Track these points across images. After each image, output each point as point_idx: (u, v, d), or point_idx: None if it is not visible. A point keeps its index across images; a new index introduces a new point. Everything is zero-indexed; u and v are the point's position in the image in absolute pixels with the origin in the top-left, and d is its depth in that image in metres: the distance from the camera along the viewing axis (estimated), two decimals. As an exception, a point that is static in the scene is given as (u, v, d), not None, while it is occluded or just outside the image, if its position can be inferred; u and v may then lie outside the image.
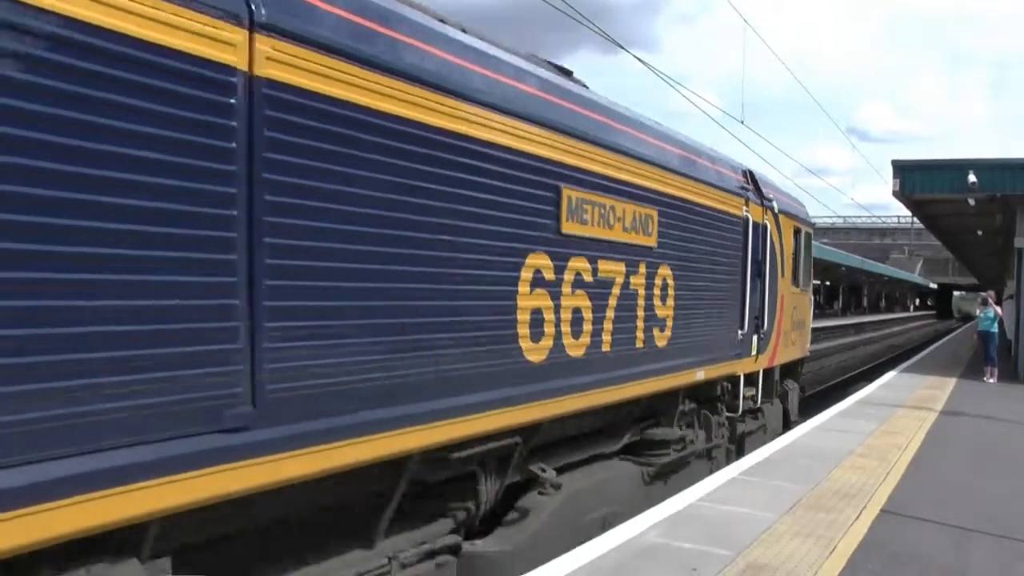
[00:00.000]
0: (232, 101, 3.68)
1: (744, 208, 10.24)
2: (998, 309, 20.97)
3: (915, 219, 35.22)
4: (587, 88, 7.54)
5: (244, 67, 3.73)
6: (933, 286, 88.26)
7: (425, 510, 5.85)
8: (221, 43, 3.62)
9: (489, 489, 6.23)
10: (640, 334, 7.55)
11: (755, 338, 10.90)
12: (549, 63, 7.32)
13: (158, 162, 3.38)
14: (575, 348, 6.48)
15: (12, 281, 2.94)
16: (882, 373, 22.24)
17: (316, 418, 4.15)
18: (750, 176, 10.97)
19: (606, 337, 6.92)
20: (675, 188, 8.17)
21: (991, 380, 19.88)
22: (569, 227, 6.33)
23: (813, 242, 14.63)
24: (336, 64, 4.21)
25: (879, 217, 64.69)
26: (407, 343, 4.75)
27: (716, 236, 9.33)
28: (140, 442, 3.33)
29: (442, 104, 4.97)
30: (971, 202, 20.18)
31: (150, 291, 3.39)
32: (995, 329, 20.73)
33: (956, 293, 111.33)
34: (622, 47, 12.84)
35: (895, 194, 20.74)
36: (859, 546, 6.57)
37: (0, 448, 2.89)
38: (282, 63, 3.92)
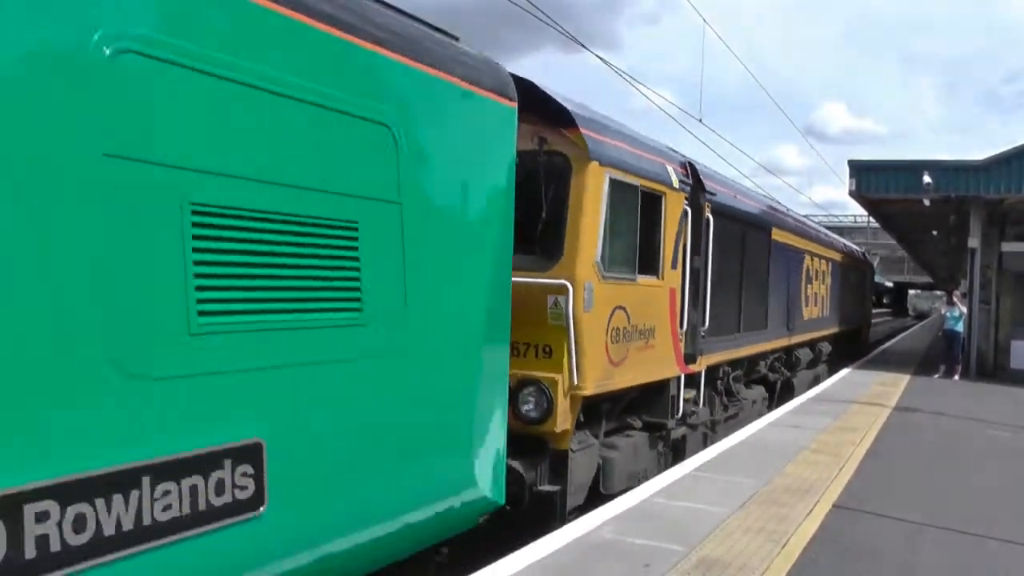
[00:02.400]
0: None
1: (863, 264, 29.84)
2: (963, 308, 21.23)
3: (871, 218, 35.70)
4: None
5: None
6: (889, 284, 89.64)
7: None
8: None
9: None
10: (838, 311, 23.18)
11: (863, 314, 30.15)
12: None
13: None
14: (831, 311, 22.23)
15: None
16: (839, 368, 22.48)
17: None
18: (862, 252, 31.55)
19: (839, 310, 23.34)
20: (846, 260, 24.36)
21: (955, 378, 20.18)
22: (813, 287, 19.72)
23: None
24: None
25: (835, 216, 65.49)
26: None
27: (856, 275, 27.13)
28: None
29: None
30: (926, 202, 20.49)
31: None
32: (960, 328, 20.99)
33: (911, 291, 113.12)
34: (583, 46, 12.77)
35: (851, 194, 21.00)
36: (811, 541, 6.59)
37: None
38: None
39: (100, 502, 3.39)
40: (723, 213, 11.03)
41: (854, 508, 7.67)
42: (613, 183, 7.82)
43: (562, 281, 7.16)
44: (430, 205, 5.41)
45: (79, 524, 3.32)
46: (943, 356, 21.65)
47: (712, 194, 10.49)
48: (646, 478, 8.89)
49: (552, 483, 7.40)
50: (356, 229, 4.73)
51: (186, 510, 3.78)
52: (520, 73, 6.93)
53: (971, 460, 10.45)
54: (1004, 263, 21.48)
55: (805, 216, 21.67)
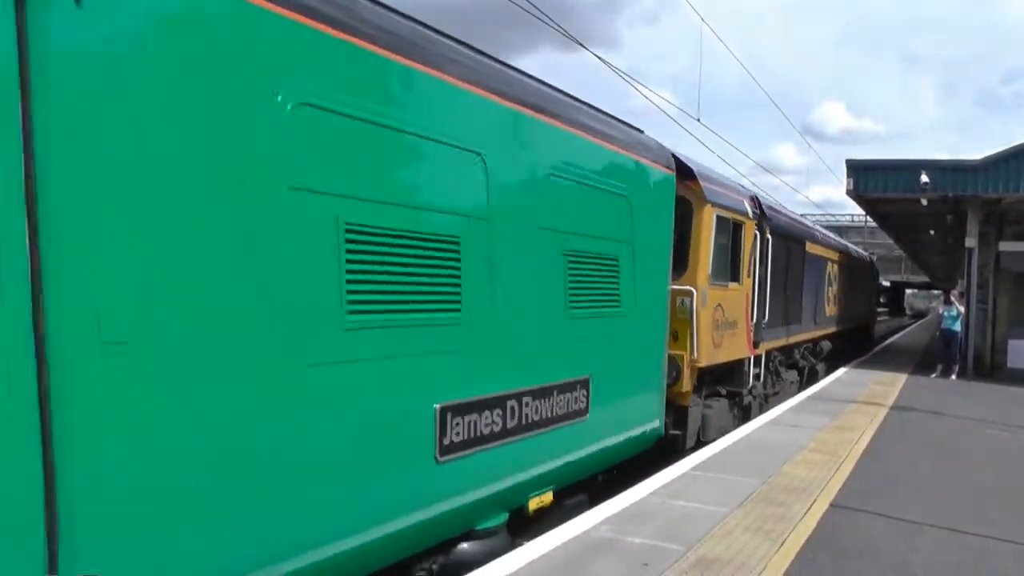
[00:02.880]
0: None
1: (870, 267, 33.21)
2: (961, 308, 21.23)
3: (868, 218, 35.69)
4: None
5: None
6: (886, 284, 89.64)
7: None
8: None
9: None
10: (851, 309, 27.14)
11: (870, 311, 35.63)
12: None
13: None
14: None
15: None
16: (837, 367, 22.49)
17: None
18: (869, 257, 33.98)
19: (852, 309, 27.08)
20: (857, 265, 28.36)
21: (952, 377, 20.20)
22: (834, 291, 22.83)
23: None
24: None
25: (833, 215, 65.53)
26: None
27: (865, 277, 30.59)
28: None
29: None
30: (923, 202, 20.50)
31: None
32: (958, 327, 21.00)
33: (908, 291, 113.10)
34: (582, 45, 12.75)
35: (849, 193, 20.98)
36: (808, 540, 6.61)
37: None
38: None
39: (539, 401, 6.98)
40: (776, 232, 14.50)
41: (852, 507, 7.69)
42: (718, 218, 11.25)
43: (688, 287, 10.40)
44: (642, 243, 8.84)
45: (535, 410, 6.93)
46: (941, 355, 21.67)
47: (769, 219, 13.89)
48: (727, 432, 11.84)
49: (675, 428, 10.58)
50: (617, 260, 8.35)
51: (566, 410, 7.42)
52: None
53: (969, 459, 10.46)
54: (1001, 263, 21.47)
55: (803, 215, 21.85)
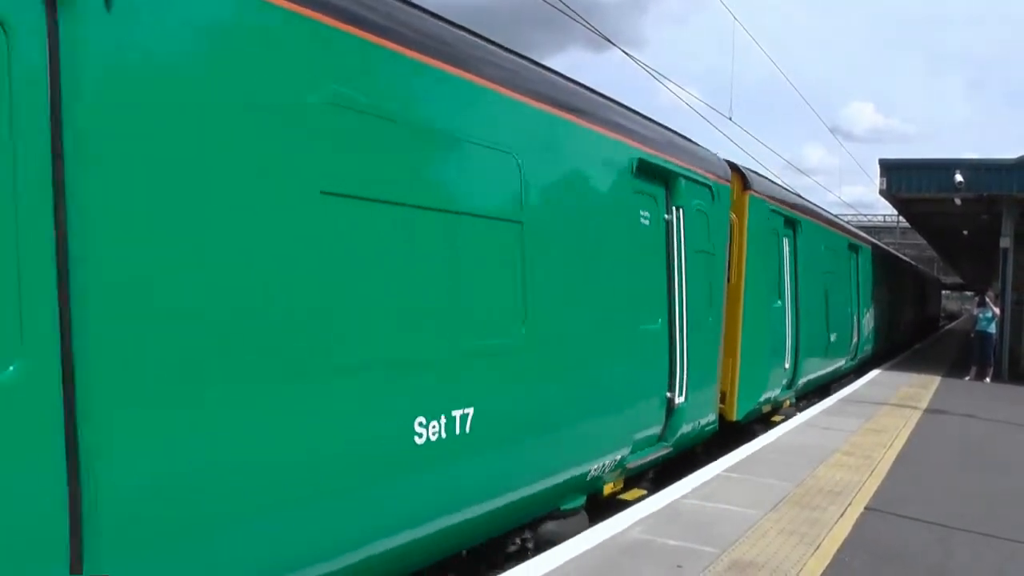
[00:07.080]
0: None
1: (935, 279, 59.45)
2: (996, 309, 20.90)
3: (900, 218, 35.38)
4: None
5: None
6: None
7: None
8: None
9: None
10: (928, 307, 51.48)
11: (936, 309, 63.72)
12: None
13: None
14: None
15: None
16: (868, 369, 22.29)
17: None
18: (934, 275, 61.37)
19: (928, 307, 50.53)
20: (930, 279, 52.30)
21: (987, 380, 19.92)
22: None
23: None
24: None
25: (864, 215, 64.87)
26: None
27: (933, 287, 56.19)
28: None
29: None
30: (957, 202, 20.23)
31: None
32: (992, 329, 20.66)
33: (941, 292, 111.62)
34: (611, 42, 12.73)
35: (882, 193, 20.77)
36: (844, 544, 6.56)
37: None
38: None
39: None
40: (915, 275, 36.54)
41: (887, 511, 7.62)
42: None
43: None
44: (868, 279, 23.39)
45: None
46: (974, 358, 21.38)
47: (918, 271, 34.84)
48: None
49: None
50: (850, 291, 20.68)
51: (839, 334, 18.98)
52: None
53: (1004, 464, 10.32)
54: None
55: (836, 216, 21.64)
